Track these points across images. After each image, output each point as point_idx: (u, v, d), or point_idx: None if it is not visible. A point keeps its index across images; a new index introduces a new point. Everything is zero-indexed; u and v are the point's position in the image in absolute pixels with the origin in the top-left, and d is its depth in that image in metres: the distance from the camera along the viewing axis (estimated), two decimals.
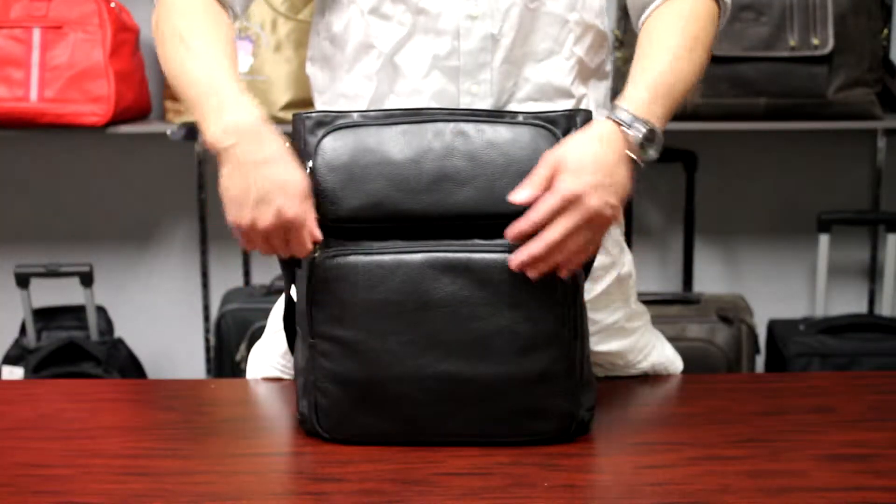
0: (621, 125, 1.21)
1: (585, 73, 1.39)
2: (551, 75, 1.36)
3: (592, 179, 1.16)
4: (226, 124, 1.18)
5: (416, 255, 1.18)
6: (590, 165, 1.17)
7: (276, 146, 1.18)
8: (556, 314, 1.19)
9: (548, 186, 1.17)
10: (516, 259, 1.16)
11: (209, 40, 1.26)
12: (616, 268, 1.46)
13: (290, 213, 1.16)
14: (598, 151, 1.18)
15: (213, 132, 1.19)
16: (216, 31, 1.28)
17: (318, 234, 1.19)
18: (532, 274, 1.17)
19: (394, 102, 1.35)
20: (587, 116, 1.24)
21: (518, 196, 1.17)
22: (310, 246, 1.19)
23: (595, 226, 1.18)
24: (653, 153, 1.21)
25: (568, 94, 1.37)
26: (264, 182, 1.16)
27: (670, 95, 1.25)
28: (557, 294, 1.19)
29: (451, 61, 1.33)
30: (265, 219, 1.16)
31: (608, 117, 1.22)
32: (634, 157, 1.20)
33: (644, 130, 1.20)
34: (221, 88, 1.21)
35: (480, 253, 1.18)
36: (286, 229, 1.17)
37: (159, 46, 1.30)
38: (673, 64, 1.26)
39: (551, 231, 1.16)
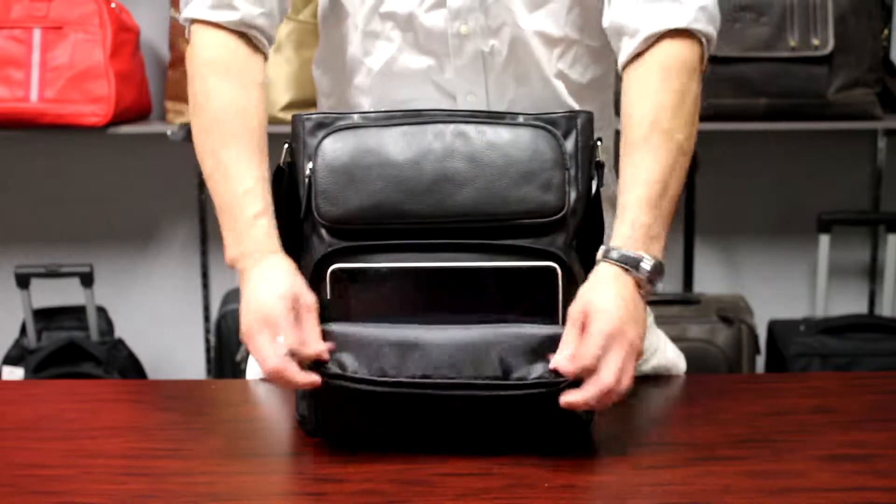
0: (626, 269, 1.20)
1: (578, 91, 1.38)
2: (548, 92, 1.36)
3: (624, 314, 1.17)
4: (241, 250, 1.22)
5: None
6: (616, 301, 1.17)
7: (273, 268, 1.20)
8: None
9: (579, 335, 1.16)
10: (567, 399, 1.15)
11: (242, 130, 1.27)
12: None
13: (267, 311, 1.17)
14: (617, 289, 1.18)
15: (232, 254, 1.24)
16: (249, 115, 1.28)
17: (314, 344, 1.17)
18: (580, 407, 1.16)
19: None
20: (588, 118, 1.24)
21: (557, 362, 1.15)
22: (310, 351, 1.16)
23: (633, 359, 1.17)
24: (660, 286, 1.22)
25: (569, 110, 1.36)
26: (253, 294, 1.19)
27: (663, 199, 1.23)
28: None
29: (444, 75, 1.34)
30: (245, 324, 1.18)
31: (609, 261, 1.20)
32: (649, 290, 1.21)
33: (647, 269, 1.20)
34: (242, 207, 1.23)
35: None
36: (273, 330, 1.17)
37: (190, 109, 1.31)
38: (659, 162, 1.24)
39: (605, 374, 1.14)
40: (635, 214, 1.22)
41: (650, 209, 1.23)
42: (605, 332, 1.15)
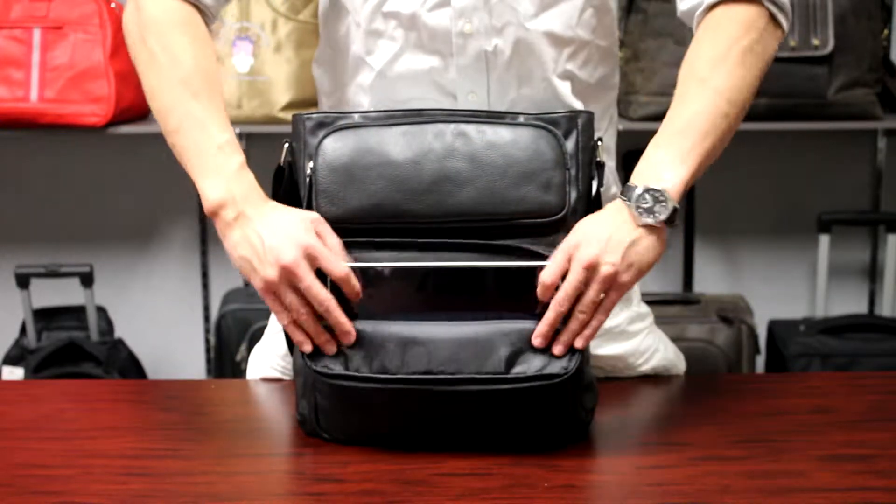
0: (623, 200, 1.20)
1: (586, 91, 1.38)
2: (551, 92, 1.36)
3: (596, 232, 1.17)
4: (232, 193, 1.21)
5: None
6: (603, 233, 1.17)
7: (276, 206, 1.20)
8: None
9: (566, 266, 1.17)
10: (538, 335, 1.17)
11: (210, 90, 1.26)
12: None
13: (304, 239, 1.16)
14: (606, 215, 1.19)
15: (218, 198, 1.22)
16: (214, 76, 1.28)
17: (341, 268, 1.16)
18: (557, 349, 1.17)
19: None
20: (589, 118, 1.24)
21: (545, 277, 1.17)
22: (345, 269, 1.16)
23: (609, 289, 1.18)
24: (650, 219, 1.18)
25: (570, 109, 1.37)
26: (273, 228, 1.17)
27: (685, 138, 1.21)
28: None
29: (446, 75, 1.33)
30: (286, 254, 1.16)
31: (619, 196, 1.21)
32: (650, 223, 1.19)
33: (637, 194, 1.19)
34: (227, 154, 1.23)
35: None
36: (312, 259, 1.16)
37: (143, 64, 1.29)
38: (685, 106, 1.23)
39: (556, 299, 1.16)
40: (648, 151, 1.22)
41: (662, 144, 1.22)
42: (565, 248, 1.17)
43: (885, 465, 1.17)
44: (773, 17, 1.28)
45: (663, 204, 1.19)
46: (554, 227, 1.20)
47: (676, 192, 1.20)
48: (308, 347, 1.18)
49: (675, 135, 1.22)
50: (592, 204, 1.25)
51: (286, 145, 1.26)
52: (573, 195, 1.21)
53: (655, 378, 1.48)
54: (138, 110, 2.87)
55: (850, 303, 3.17)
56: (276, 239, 1.17)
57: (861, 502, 1.10)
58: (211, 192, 1.22)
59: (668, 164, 1.21)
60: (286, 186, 1.25)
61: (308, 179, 1.22)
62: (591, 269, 1.16)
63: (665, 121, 1.25)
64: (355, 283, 1.17)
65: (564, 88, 1.36)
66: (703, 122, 1.22)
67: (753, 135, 3.02)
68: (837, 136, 3.08)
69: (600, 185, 1.25)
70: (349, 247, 1.20)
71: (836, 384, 1.49)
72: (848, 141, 3.10)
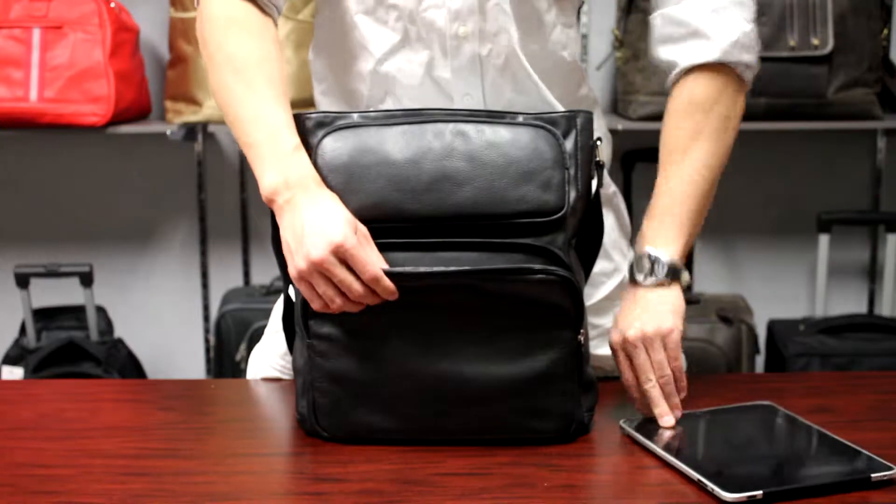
0: (645, 287, 1.29)
1: (570, 104, 1.40)
2: (543, 100, 1.37)
3: (643, 325, 1.27)
4: (286, 178, 1.19)
5: (417, 269, 1.18)
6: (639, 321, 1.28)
7: (327, 196, 1.19)
8: (557, 316, 1.19)
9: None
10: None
11: (266, 76, 1.26)
12: (618, 274, 1.46)
13: (338, 237, 1.15)
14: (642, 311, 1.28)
15: (272, 184, 1.20)
16: (270, 62, 1.28)
17: (380, 265, 1.16)
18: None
19: (391, 105, 1.36)
20: (588, 118, 1.24)
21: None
22: (377, 271, 1.15)
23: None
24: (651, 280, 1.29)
25: (568, 109, 1.37)
26: (313, 221, 1.16)
27: (686, 217, 1.32)
28: (557, 296, 1.19)
29: (443, 73, 1.34)
30: (316, 250, 1.15)
31: (632, 283, 1.31)
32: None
33: (662, 276, 1.29)
34: (280, 139, 1.22)
35: (482, 260, 1.17)
36: (343, 258, 1.15)
37: (211, 70, 1.30)
38: (686, 189, 1.32)
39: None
40: (642, 227, 1.32)
41: (654, 224, 1.31)
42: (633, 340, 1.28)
43: None
44: (740, 77, 1.34)
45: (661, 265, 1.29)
46: (553, 226, 1.20)
47: (671, 257, 1.30)
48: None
49: (663, 214, 1.31)
50: (591, 203, 1.25)
51: None
52: (572, 195, 1.21)
53: None
54: (138, 110, 2.88)
55: (850, 302, 3.18)
56: (313, 232, 1.16)
57: (861, 502, 1.10)
58: (265, 179, 1.21)
59: (661, 239, 1.31)
60: None
61: None
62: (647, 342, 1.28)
63: (653, 199, 1.33)
64: (387, 283, 1.16)
65: (553, 98, 1.37)
66: (686, 199, 1.31)
67: (753, 135, 3.02)
68: (837, 136, 3.08)
69: (599, 184, 1.25)
70: None
71: (836, 384, 1.49)
72: (848, 141, 3.11)
